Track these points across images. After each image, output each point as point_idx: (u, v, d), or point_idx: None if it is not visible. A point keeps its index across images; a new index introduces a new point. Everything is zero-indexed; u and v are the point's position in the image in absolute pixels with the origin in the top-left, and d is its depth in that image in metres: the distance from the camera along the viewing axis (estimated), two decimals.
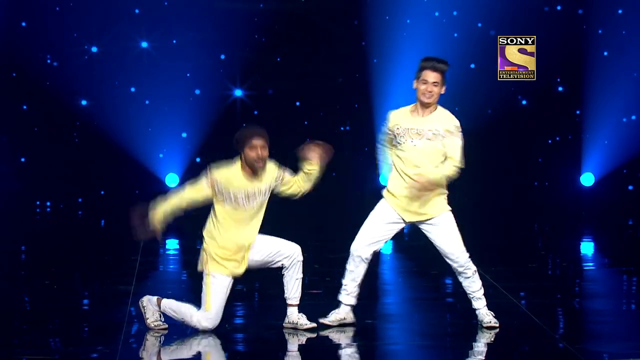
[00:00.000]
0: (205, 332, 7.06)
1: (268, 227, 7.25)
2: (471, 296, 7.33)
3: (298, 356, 6.77)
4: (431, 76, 7.15)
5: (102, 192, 14.63)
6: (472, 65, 14.52)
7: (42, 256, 11.14)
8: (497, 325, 7.24)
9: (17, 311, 8.00)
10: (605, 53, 14.51)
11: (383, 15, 14.50)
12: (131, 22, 14.37)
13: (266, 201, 7.19)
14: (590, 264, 10.86)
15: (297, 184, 7.26)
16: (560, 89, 14.76)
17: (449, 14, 14.52)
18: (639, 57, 14.53)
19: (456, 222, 7.37)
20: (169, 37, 14.38)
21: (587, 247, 12.10)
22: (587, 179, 14.80)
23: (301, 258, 7.22)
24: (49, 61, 14.31)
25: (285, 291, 7.23)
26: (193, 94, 14.53)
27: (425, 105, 7.19)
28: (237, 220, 7.07)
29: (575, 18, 14.55)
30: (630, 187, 14.84)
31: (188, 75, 14.41)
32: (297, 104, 14.72)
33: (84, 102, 14.42)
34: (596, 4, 14.49)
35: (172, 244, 12.43)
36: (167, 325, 7.19)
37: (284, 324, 7.25)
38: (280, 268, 7.22)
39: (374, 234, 7.26)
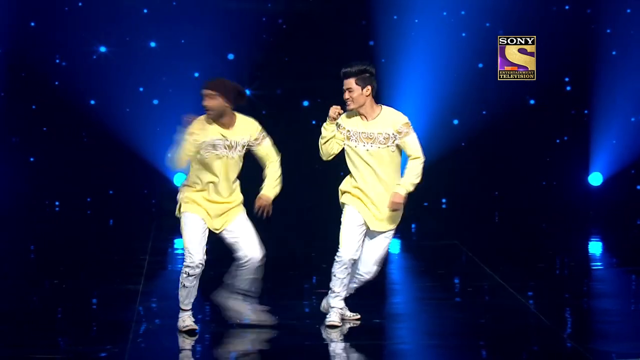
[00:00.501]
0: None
1: (274, 226, 7.25)
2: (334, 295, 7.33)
3: (305, 355, 6.77)
4: (344, 84, 7.23)
5: (111, 192, 14.65)
6: (480, 65, 14.50)
7: (51, 255, 11.16)
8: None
9: (26, 310, 8.02)
10: (614, 52, 14.49)
11: (391, 15, 14.49)
12: (139, 22, 14.38)
13: (240, 159, 7.20)
14: (599, 263, 10.85)
15: (269, 168, 7.30)
16: (568, 88, 14.74)
17: (456, 13, 14.51)
18: None
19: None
20: (177, 37, 14.40)
21: (595, 247, 12.09)
22: (595, 179, 14.79)
23: (258, 264, 7.18)
24: (57, 61, 14.33)
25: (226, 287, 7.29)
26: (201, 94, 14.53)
27: (360, 112, 7.20)
28: (211, 171, 7.10)
29: (583, 17, 14.53)
30: (639, 187, 14.82)
31: (196, 75, 14.42)
32: (305, 103, 14.72)
33: (92, 102, 14.44)
34: (604, 3, 14.46)
35: (180, 244, 12.44)
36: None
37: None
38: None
39: (357, 238, 7.26)
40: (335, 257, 7.26)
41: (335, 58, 14.54)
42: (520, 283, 8.96)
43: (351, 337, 7.05)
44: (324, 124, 7.30)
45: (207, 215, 7.16)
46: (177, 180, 14.58)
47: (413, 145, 7.20)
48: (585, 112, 14.70)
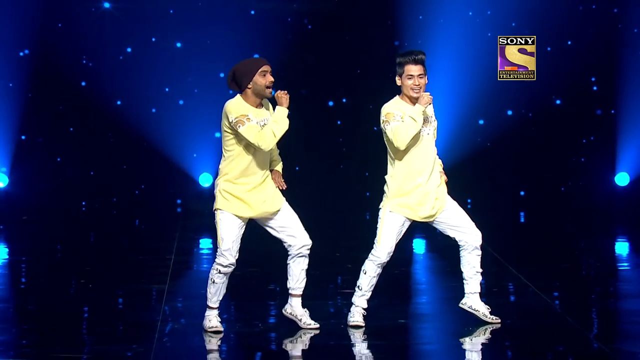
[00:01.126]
0: (227, 271, 6.99)
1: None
2: (473, 277, 7.31)
3: (330, 355, 6.78)
4: (414, 69, 7.17)
5: (137, 192, 14.72)
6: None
7: (77, 255, 11.22)
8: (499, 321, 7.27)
9: (53, 310, 8.06)
10: None
11: (416, 15, 14.48)
12: (165, 22, 14.43)
13: None
14: (625, 264, 10.80)
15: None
16: (594, 88, 14.68)
17: (482, 13, 14.48)
18: None
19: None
20: (202, 37, 14.45)
21: (621, 247, 12.04)
22: (622, 179, 14.72)
23: (307, 252, 7.15)
24: (84, 62, 14.42)
25: (289, 281, 7.18)
26: (227, 94, 14.59)
27: (414, 99, 7.19)
28: (251, 154, 6.98)
29: (610, 17, 14.47)
30: None
31: (221, 75, 14.46)
32: (330, 103, 14.73)
33: (118, 102, 14.51)
34: (632, 2, 14.39)
35: (205, 244, 12.48)
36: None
37: (283, 311, 7.24)
38: (286, 257, 7.18)
39: (396, 240, 7.27)
40: (370, 256, 7.25)
41: (361, 58, 14.60)
42: (545, 283, 8.94)
43: (376, 338, 7.05)
44: (417, 113, 7.16)
45: (248, 208, 7.04)
46: (203, 180, 14.62)
47: None
48: (612, 112, 14.64)
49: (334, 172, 14.02)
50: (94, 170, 14.63)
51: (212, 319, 7.15)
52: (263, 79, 6.95)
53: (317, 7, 14.54)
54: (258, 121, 6.96)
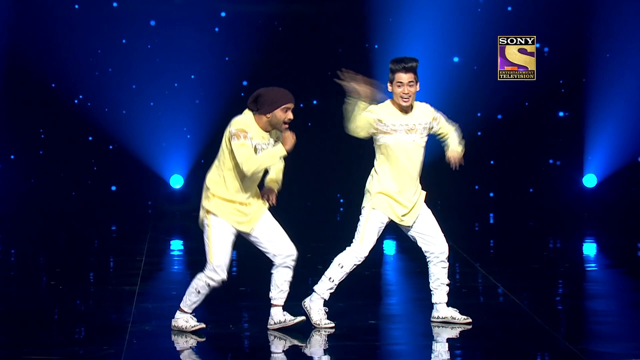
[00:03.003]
0: (216, 288, 7.00)
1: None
2: (438, 288, 7.38)
3: (300, 356, 6.80)
4: (405, 77, 7.22)
5: (107, 193, 14.67)
6: (475, 67, 14.55)
7: (47, 257, 11.17)
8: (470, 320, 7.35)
9: (22, 311, 8.03)
10: (608, 55, 14.52)
11: (387, 17, 14.50)
12: (135, 24, 14.39)
13: None
14: (593, 264, 10.89)
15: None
16: (562, 90, 14.77)
17: (449, 16, 14.53)
18: None
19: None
20: (173, 39, 14.42)
21: (589, 248, 12.13)
22: (590, 181, 14.83)
23: (292, 264, 7.14)
24: (54, 63, 14.34)
25: (272, 291, 7.14)
26: (198, 95, 14.58)
27: (405, 106, 7.26)
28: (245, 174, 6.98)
29: (577, 19, 14.54)
30: (634, 189, 14.86)
31: (192, 77, 14.45)
32: (301, 105, 14.76)
33: (89, 104, 14.46)
34: (599, 5, 14.49)
35: (176, 245, 12.47)
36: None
37: (269, 326, 7.22)
38: (257, 259, 7.16)
39: (376, 239, 7.33)
40: (351, 251, 7.27)
41: (330, 61, 14.63)
42: (514, 284, 8.99)
43: (347, 338, 7.07)
44: (358, 102, 7.23)
45: (238, 223, 7.02)
46: (173, 182, 14.60)
47: (447, 121, 7.54)
48: (580, 114, 14.74)
49: (305, 173, 14.04)
50: (64, 171, 14.57)
51: (190, 320, 7.13)
52: (284, 114, 6.99)
53: (287, 8, 14.56)
54: (259, 143, 6.97)
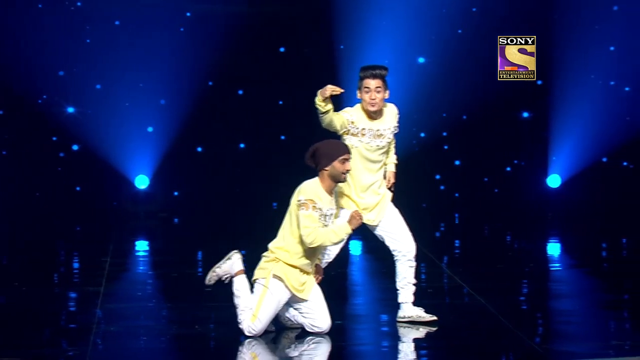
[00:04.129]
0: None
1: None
2: (404, 287, 7.44)
3: (266, 357, 6.79)
4: (372, 83, 7.34)
5: (71, 194, 14.57)
6: (421, 60, 14.55)
7: (11, 258, 11.09)
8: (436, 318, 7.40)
9: None
10: (572, 55, 14.60)
11: (358, 18, 14.50)
12: (101, 23, 14.31)
13: None
14: (557, 264, 10.96)
15: None
16: (526, 90, 14.82)
17: (419, 17, 14.57)
18: (603, 60, 14.63)
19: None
20: (138, 38, 14.34)
21: (553, 248, 12.21)
22: (554, 181, 14.92)
23: (319, 332, 7.18)
24: (17, 63, 14.21)
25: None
26: (163, 96, 14.52)
27: (372, 112, 7.34)
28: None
29: (542, 19, 14.61)
30: (597, 189, 14.95)
31: (157, 77, 14.39)
32: (280, 102, 14.72)
33: (53, 104, 14.36)
34: (565, 5, 14.56)
35: (141, 246, 12.42)
36: (210, 289, 7.14)
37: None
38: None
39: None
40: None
41: (296, 61, 14.62)
42: (479, 284, 9.03)
43: (311, 339, 7.08)
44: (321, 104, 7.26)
45: (293, 287, 7.09)
46: (139, 182, 14.54)
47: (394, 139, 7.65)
48: (544, 114, 14.82)
49: (275, 171, 14.02)
50: (28, 172, 14.46)
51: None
52: (342, 166, 7.07)
53: (254, 9, 14.53)
54: (327, 209, 7.06)
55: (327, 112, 7.23)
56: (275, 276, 7.05)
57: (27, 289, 9.04)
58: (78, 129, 14.37)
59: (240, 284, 7.14)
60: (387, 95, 7.41)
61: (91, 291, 8.76)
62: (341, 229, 7.05)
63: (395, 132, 7.57)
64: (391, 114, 7.52)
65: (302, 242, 7.06)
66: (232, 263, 7.21)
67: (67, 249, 11.89)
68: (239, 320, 7.06)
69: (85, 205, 14.39)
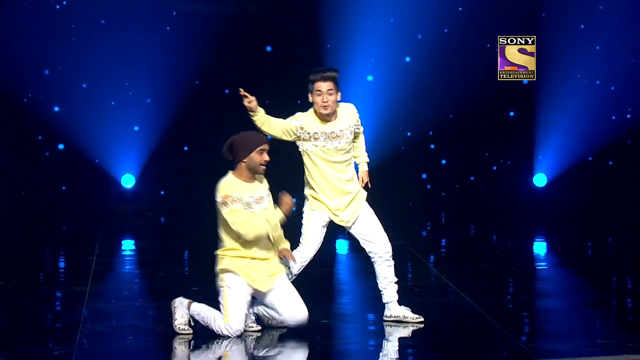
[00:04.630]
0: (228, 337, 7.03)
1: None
2: (387, 287, 7.45)
3: (250, 355, 6.79)
4: (324, 86, 7.32)
5: (57, 193, 14.53)
6: (408, 59, 14.56)
7: None
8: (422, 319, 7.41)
9: None
10: (558, 53, 14.62)
11: (344, 18, 14.50)
12: (85, 22, 14.27)
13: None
14: (543, 263, 10.98)
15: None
16: (512, 89, 14.84)
17: (402, 18, 14.57)
18: (589, 59, 14.67)
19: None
20: (124, 37, 14.31)
21: (539, 247, 12.24)
22: (540, 180, 14.96)
23: (293, 325, 7.12)
24: (3, 61, 14.16)
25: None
26: (149, 95, 14.50)
27: (325, 115, 7.34)
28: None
29: (530, 19, 14.64)
30: (583, 188, 14.99)
31: (143, 76, 14.36)
32: (267, 102, 14.69)
33: (38, 102, 14.32)
34: (552, 4, 14.59)
35: (128, 245, 12.40)
36: (191, 331, 7.07)
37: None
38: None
39: (321, 239, 7.47)
40: (296, 251, 7.37)
41: (287, 60, 14.62)
42: (466, 283, 9.05)
43: (299, 337, 7.08)
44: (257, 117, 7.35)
45: (252, 280, 7.04)
46: (125, 181, 14.51)
47: (362, 136, 7.61)
48: (530, 113, 14.84)
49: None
50: (14, 171, 14.41)
51: (185, 316, 7.13)
52: (260, 156, 7.05)
53: (240, 8, 14.52)
54: (251, 196, 7.01)
55: (259, 119, 7.24)
56: (224, 270, 7.01)
57: (12, 288, 9.01)
58: (64, 128, 14.33)
59: (195, 308, 7.09)
60: (339, 97, 7.39)
61: (77, 290, 8.75)
62: (273, 216, 7.05)
63: (358, 130, 7.51)
64: (348, 114, 7.47)
65: (238, 236, 7.00)
66: (178, 307, 7.13)
67: (53, 248, 11.86)
68: (217, 331, 7.00)
69: (71, 204, 14.35)
